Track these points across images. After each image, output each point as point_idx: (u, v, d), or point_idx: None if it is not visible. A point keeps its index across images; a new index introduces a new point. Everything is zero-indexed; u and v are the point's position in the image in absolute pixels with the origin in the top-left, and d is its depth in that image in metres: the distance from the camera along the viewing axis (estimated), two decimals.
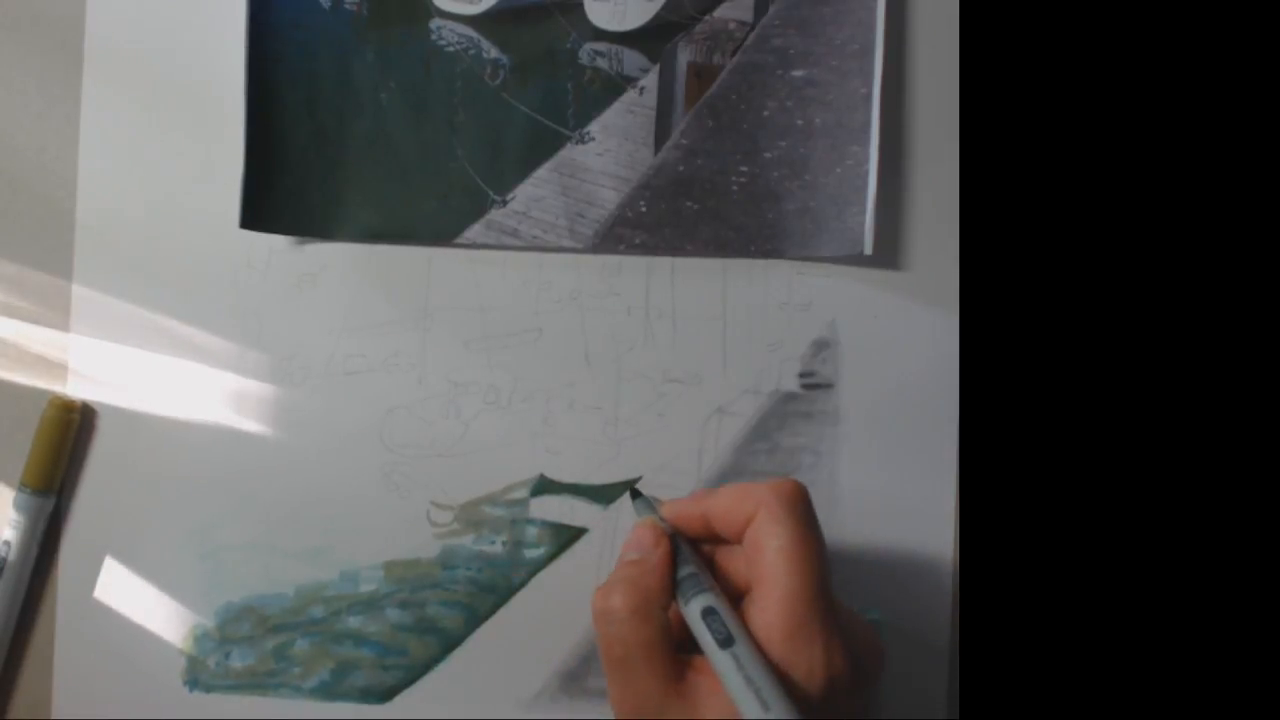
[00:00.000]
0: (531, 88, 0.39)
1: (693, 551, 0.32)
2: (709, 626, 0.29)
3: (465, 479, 0.39)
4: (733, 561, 0.32)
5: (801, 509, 0.30)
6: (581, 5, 0.39)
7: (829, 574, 0.29)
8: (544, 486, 0.39)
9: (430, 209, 0.39)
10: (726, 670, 0.28)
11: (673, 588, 0.31)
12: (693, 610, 0.30)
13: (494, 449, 0.39)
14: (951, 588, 0.38)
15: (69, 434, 0.39)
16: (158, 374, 0.40)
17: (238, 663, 0.40)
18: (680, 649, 0.30)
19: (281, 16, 0.39)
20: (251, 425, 0.40)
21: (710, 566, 0.32)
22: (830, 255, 0.38)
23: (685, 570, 0.31)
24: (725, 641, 0.28)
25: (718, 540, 0.32)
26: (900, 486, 0.39)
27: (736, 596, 0.31)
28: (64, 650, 0.40)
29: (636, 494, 0.36)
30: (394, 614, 0.39)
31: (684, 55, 0.39)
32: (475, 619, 0.39)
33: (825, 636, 0.28)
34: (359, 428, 0.40)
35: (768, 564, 0.29)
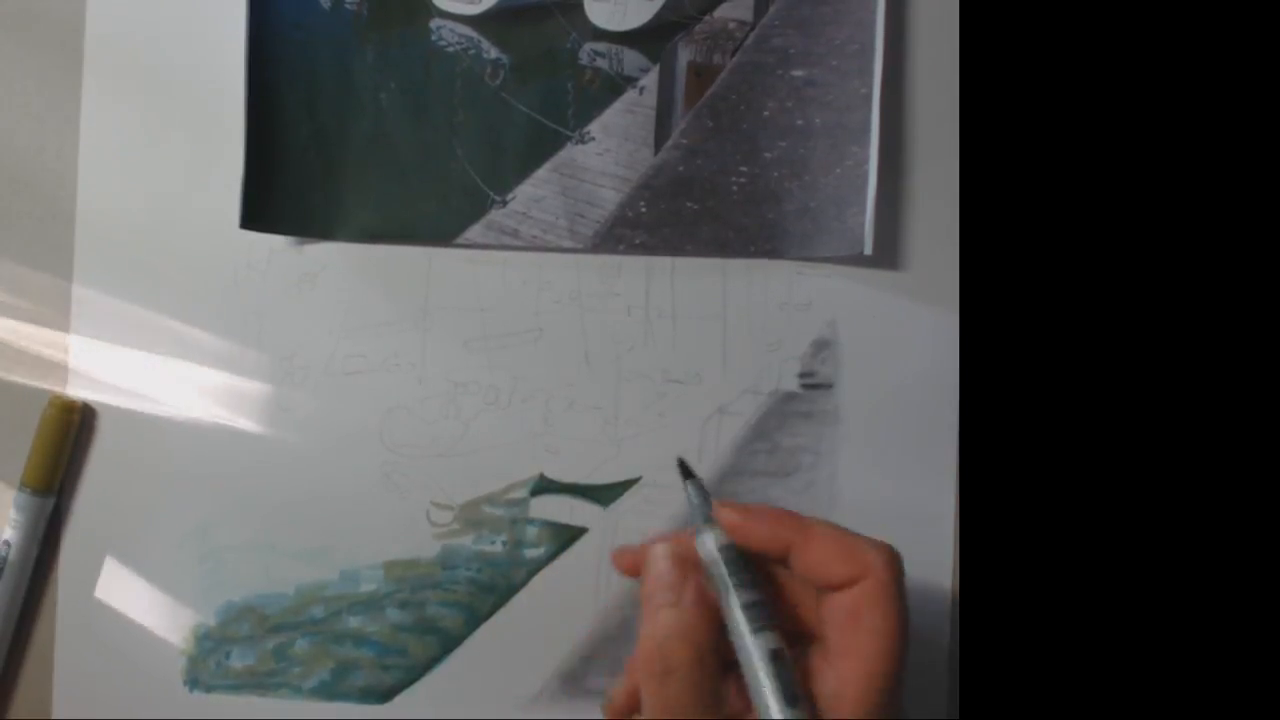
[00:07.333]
0: (531, 88, 0.39)
1: (754, 572, 0.29)
2: (777, 674, 0.27)
3: (465, 479, 0.39)
4: (793, 588, 0.29)
5: (903, 587, 0.28)
6: (581, 5, 0.39)
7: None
8: (544, 486, 0.39)
9: (430, 209, 0.39)
10: None
11: (719, 619, 0.28)
12: (756, 647, 0.27)
13: (494, 449, 0.39)
14: (951, 588, 0.38)
15: (69, 434, 0.39)
16: (158, 374, 0.40)
17: (238, 663, 0.40)
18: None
19: (281, 16, 0.39)
20: (251, 425, 0.40)
21: (768, 584, 0.29)
22: (830, 255, 0.38)
23: (748, 596, 0.28)
24: (791, 699, 0.26)
25: (776, 563, 0.29)
26: (900, 486, 0.39)
27: (793, 632, 0.28)
28: (64, 650, 0.40)
29: (689, 474, 0.31)
30: (394, 614, 0.39)
31: (684, 55, 0.39)
32: (475, 619, 0.39)
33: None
34: (359, 428, 0.40)
35: (861, 640, 0.27)
